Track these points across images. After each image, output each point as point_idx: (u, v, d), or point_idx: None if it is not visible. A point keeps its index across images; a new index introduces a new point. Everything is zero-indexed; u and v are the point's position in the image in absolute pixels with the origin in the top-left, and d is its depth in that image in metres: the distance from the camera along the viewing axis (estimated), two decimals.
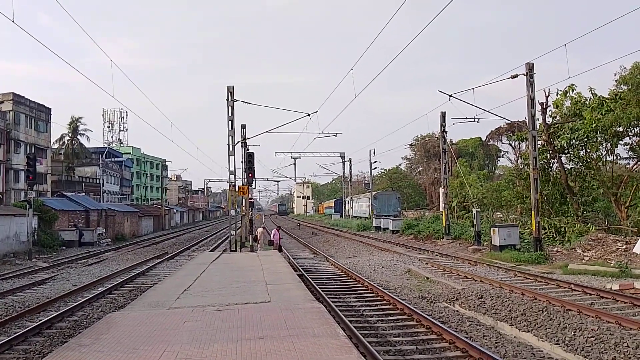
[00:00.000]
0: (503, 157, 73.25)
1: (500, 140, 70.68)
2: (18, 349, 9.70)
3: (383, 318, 11.62)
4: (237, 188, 28.74)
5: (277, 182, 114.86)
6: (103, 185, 64.52)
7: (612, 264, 18.16)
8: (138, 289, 16.24)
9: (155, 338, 7.63)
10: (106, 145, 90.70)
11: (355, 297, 14.43)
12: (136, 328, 8.33)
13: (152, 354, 6.77)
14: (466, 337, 9.44)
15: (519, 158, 42.37)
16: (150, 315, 9.39)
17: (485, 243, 26.04)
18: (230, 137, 27.25)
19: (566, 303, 12.13)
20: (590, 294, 13.76)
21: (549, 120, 28.55)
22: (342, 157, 65.66)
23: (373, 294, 14.63)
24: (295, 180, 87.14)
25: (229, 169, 27.82)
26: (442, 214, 34.48)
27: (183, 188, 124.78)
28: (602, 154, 28.22)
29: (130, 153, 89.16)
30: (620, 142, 27.13)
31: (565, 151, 28.56)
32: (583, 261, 19.75)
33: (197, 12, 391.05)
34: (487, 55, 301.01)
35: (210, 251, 30.17)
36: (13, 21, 16.17)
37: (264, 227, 36.71)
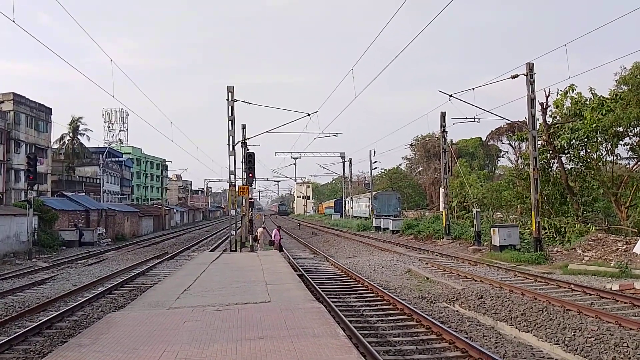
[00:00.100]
0: (503, 157, 73.35)
1: (501, 140, 70.71)
2: (18, 348, 9.70)
3: (383, 318, 11.62)
4: (237, 188, 28.75)
5: (277, 182, 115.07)
6: (103, 185, 64.55)
7: (612, 264, 18.16)
8: (138, 289, 16.25)
9: (155, 338, 7.63)
10: (106, 145, 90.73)
11: (355, 297, 14.43)
12: (136, 328, 8.34)
13: (152, 353, 6.78)
14: (466, 337, 9.44)
15: (519, 158, 42.36)
16: (150, 315, 9.39)
17: (486, 243, 26.04)
18: (231, 137, 27.26)
19: (566, 303, 12.13)
20: (590, 294, 13.76)
21: (549, 120, 28.56)
22: (342, 157, 65.69)
23: (373, 294, 14.63)
24: (295, 180, 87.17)
25: (229, 169, 27.85)
26: (442, 214, 34.48)
27: (183, 188, 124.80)
28: (602, 154, 28.23)
29: (130, 153, 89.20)
30: (621, 142, 27.14)
31: (566, 151, 28.56)
32: (583, 261, 19.75)
33: (197, 12, 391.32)
34: (487, 55, 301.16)
35: (210, 251, 30.16)
36: (13, 21, 16.19)
37: (264, 227, 36.69)
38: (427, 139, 73.94)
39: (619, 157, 28.38)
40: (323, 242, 39.16)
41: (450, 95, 24.17)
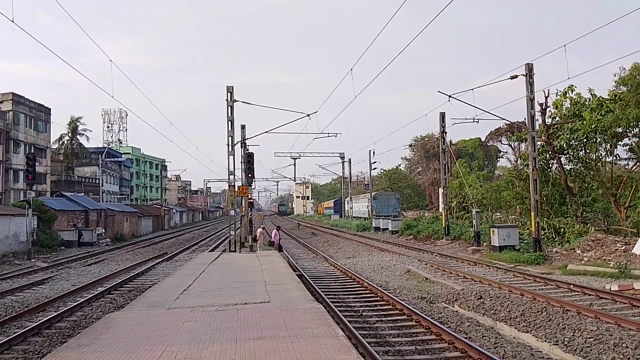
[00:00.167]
0: (502, 157, 73.38)
1: (500, 141, 70.74)
2: (17, 349, 9.70)
3: (382, 318, 11.62)
4: (236, 188, 28.74)
5: (277, 182, 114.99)
6: (102, 185, 64.52)
7: (611, 265, 18.17)
8: (137, 289, 16.24)
9: (155, 338, 7.63)
10: (105, 145, 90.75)
11: (355, 298, 14.44)
12: (135, 328, 8.33)
13: (151, 354, 6.77)
14: (465, 338, 9.45)
15: (519, 159, 42.30)
16: (150, 315, 9.38)
17: (485, 243, 26.04)
18: (230, 137, 27.26)
19: (565, 304, 12.13)
20: (590, 295, 13.77)
21: (548, 120, 28.55)
22: (342, 158, 65.68)
23: (372, 295, 14.64)
24: (294, 180, 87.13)
25: (229, 169, 27.85)
26: (441, 215, 34.47)
27: (182, 188, 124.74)
28: (601, 154, 28.22)
29: (129, 153, 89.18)
30: (620, 142, 27.15)
31: (565, 152, 28.56)
32: (582, 262, 19.76)
33: (197, 12, 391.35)
34: (487, 56, 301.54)
35: (210, 251, 30.16)
36: (13, 21, 16.17)
37: (263, 228, 36.70)
38: (427, 139, 73.96)
39: (618, 158, 28.41)
40: (322, 242, 39.15)
41: (450, 96, 24.19)
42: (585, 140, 27.21)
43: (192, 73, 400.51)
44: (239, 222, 31.10)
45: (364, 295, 14.72)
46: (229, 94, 27.28)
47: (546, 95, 27.74)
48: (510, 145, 67.19)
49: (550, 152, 28.60)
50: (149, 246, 38.17)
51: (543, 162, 28.81)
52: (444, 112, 33.39)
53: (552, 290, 14.95)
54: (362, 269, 21.02)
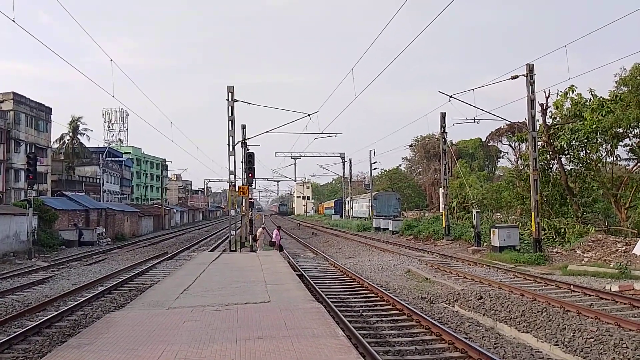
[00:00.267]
0: (503, 158, 73.37)
1: (500, 141, 70.74)
2: (18, 348, 9.71)
3: (382, 318, 11.62)
4: (237, 188, 28.75)
5: (277, 182, 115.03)
6: (103, 185, 64.56)
7: (611, 265, 18.17)
8: (138, 289, 16.26)
9: (155, 338, 7.63)
10: (106, 145, 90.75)
11: (355, 298, 14.44)
12: (136, 328, 8.34)
13: (151, 353, 6.78)
14: (465, 338, 9.45)
15: (519, 159, 42.30)
16: (150, 315, 9.39)
17: (485, 244, 26.04)
18: (231, 137, 27.26)
19: (565, 304, 12.14)
20: (590, 295, 13.76)
21: (549, 121, 28.55)
22: (342, 158, 65.69)
23: (373, 295, 14.64)
24: (295, 180, 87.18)
25: (229, 169, 27.85)
26: (442, 215, 34.48)
27: (183, 188, 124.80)
28: (602, 155, 28.21)
29: (130, 153, 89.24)
30: (620, 143, 27.13)
31: (565, 152, 28.55)
32: (583, 262, 19.75)
33: (197, 12, 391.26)
34: (487, 55, 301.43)
35: (210, 251, 30.16)
36: (13, 20, 16.19)
37: (263, 228, 36.71)
38: (427, 139, 73.97)
39: (618, 158, 28.41)
40: (323, 242, 39.16)
41: (450, 96, 24.20)
42: (585, 140, 27.20)
43: (193, 73, 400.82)
44: (240, 222, 31.11)
45: (364, 295, 14.72)
46: (229, 93, 27.29)
47: (547, 95, 27.77)
48: (510, 146, 67.20)
49: (550, 153, 28.59)
50: (149, 246, 38.18)
51: (543, 162, 28.81)
52: (445, 113, 33.41)
53: (553, 290, 14.95)
54: (363, 269, 21.02)
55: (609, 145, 27.14)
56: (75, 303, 13.69)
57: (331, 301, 12.87)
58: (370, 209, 57.33)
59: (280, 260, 19.63)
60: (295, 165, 75.40)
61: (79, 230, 37.89)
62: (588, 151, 28.18)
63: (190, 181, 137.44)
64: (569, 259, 20.64)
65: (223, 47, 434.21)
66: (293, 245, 37.19)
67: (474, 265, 21.49)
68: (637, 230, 24.29)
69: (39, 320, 11.64)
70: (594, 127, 25.74)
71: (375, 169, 62.37)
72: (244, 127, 32.14)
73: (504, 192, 34.34)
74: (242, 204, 32.17)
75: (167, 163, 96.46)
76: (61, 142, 63.20)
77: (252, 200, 38.70)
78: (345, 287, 16.37)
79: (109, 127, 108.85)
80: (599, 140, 27.03)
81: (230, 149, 27.33)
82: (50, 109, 55.49)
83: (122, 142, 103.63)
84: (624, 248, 20.22)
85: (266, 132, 32.64)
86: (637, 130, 25.95)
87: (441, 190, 35.86)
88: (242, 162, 31.40)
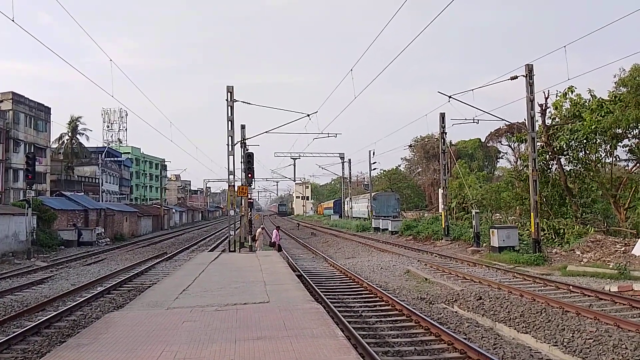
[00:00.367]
0: (502, 158, 73.40)
1: (500, 142, 70.77)
2: (17, 348, 9.69)
3: (382, 319, 11.62)
4: (236, 188, 28.74)
5: (277, 182, 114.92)
6: (102, 185, 64.52)
7: (610, 266, 18.17)
8: (137, 289, 16.24)
9: (154, 338, 7.63)
10: (105, 145, 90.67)
11: (354, 298, 14.44)
12: (135, 328, 8.33)
13: (150, 353, 6.78)
14: (465, 338, 9.45)
15: (518, 159, 42.29)
16: (149, 315, 9.38)
17: (484, 244, 26.05)
18: (230, 138, 27.26)
19: (565, 305, 12.14)
20: (589, 296, 13.77)
21: (548, 121, 28.55)
22: (342, 158, 65.70)
23: (372, 295, 14.64)
24: (294, 180, 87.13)
25: (228, 169, 27.84)
26: (441, 215, 34.48)
27: (182, 188, 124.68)
28: (601, 155, 28.21)
29: (129, 153, 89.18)
30: (620, 143, 27.12)
31: (565, 153, 28.55)
32: (582, 263, 19.76)
33: (197, 12, 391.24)
34: (487, 56, 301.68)
35: (209, 251, 30.16)
36: (13, 20, 16.18)
37: (262, 228, 36.68)
38: (427, 139, 74.02)
39: (617, 159, 28.37)
40: (322, 242, 39.16)
41: (450, 97, 24.22)
42: (585, 141, 27.20)
43: (193, 73, 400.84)
44: (239, 222, 31.10)
45: (364, 296, 14.72)
46: (229, 94, 27.28)
47: (546, 96, 27.76)
48: (510, 146, 67.21)
49: (550, 153, 28.60)
50: (148, 246, 38.16)
51: (543, 163, 28.81)
52: (444, 113, 33.43)
53: (552, 291, 14.95)
54: (362, 269, 21.02)
55: (608, 145, 27.14)
56: (75, 303, 13.68)
57: (330, 301, 12.87)
58: (370, 209, 57.33)
59: (279, 261, 19.62)
60: (294, 166, 75.29)
61: (78, 230, 37.86)
62: (587, 152, 28.18)
63: (190, 181, 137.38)
64: (568, 260, 20.64)
65: (223, 47, 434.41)
66: (292, 245, 37.19)
67: (473, 266, 21.50)
68: (636, 231, 24.29)
69: (38, 320, 11.62)
70: (593, 127, 25.74)
71: (374, 169, 62.47)
72: (243, 127, 32.15)
73: (503, 193, 34.34)
74: (241, 204, 32.16)
75: (166, 163, 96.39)
76: (60, 142, 63.19)
77: (252, 201, 38.68)
78: (344, 288, 16.36)
79: (108, 127, 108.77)
80: (598, 140, 27.03)
81: (230, 149, 27.33)
82: (50, 108, 55.49)
83: (121, 142, 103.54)
84: (623, 249, 20.23)
85: (265, 132, 32.68)
86: (636, 130, 25.95)
87: (440, 191, 35.87)
88: (241, 162, 31.42)
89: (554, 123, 28.93)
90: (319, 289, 15.01)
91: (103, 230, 42.45)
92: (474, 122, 28.46)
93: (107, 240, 41.10)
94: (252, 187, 43.82)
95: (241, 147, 31.68)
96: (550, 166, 29.98)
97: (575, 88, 27.94)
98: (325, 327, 8.20)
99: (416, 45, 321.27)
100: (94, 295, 15.10)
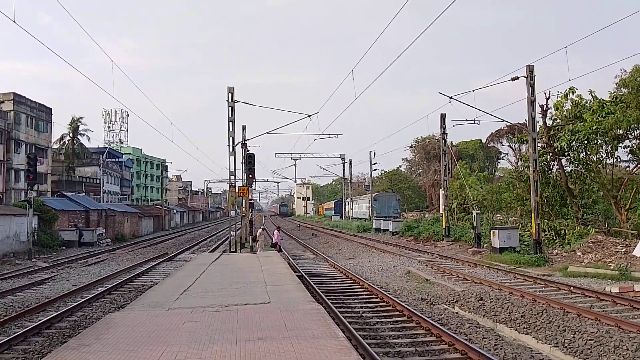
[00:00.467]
0: (503, 159, 73.33)
1: (501, 142, 70.69)
2: (17, 348, 9.70)
3: (382, 320, 11.62)
4: (237, 189, 28.75)
5: (277, 183, 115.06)
6: (103, 186, 64.56)
7: (612, 267, 18.16)
8: (138, 290, 16.25)
9: (155, 339, 7.63)
10: (106, 146, 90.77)
11: (355, 299, 14.44)
12: (136, 328, 8.34)
13: (151, 354, 6.78)
14: (465, 339, 9.44)
15: (519, 160, 42.25)
16: (150, 315, 9.39)
17: (485, 245, 26.03)
18: (231, 138, 27.27)
19: (566, 305, 12.13)
20: (590, 297, 13.76)
21: (549, 122, 28.53)
22: (342, 159, 65.71)
23: (373, 296, 14.63)
24: (295, 181, 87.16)
25: (229, 169, 27.86)
26: (442, 216, 34.47)
27: (183, 188, 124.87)
28: (602, 156, 28.18)
29: (130, 153, 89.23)
30: (621, 144, 27.09)
31: (566, 153, 28.54)
32: (583, 264, 19.75)
33: (197, 12, 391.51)
34: (487, 56, 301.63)
35: (210, 252, 30.17)
36: (14, 21, 16.19)
37: (263, 229, 36.70)
38: (427, 140, 73.99)
39: (619, 160, 28.33)
40: (323, 243, 39.16)
41: (451, 97, 24.23)
42: (586, 142, 27.18)
43: (193, 74, 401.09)
44: (240, 222, 31.11)
45: (364, 297, 14.72)
46: (229, 94, 27.29)
47: (547, 96, 27.73)
48: (511, 147, 67.08)
49: (550, 154, 28.58)
50: (149, 246, 38.18)
51: (544, 163, 28.79)
52: (445, 114, 33.42)
53: (553, 292, 14.95)
54: (363, 270, 21.02)
55: (609, 146, 27.12)
56: (75, 304, 13.68)
57: (331, 302, 12.86)
58: (371, 210, 57.32)
59: (280, 261, 19.63)
60: (295, 166, 75.39)
61: (79, 230, 37.89)
62: (588, 152, 28.15)
63: (191, 182, 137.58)
64: (569, 261, 20.63)
65: (223, 47, 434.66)
66: (293, 246, 37.19)
67: (474, 267, 21.48)
68: (637, 232, 24.27)
69: (39, 320, 11.63)
70: (594, 128, 25.72)
71: (375, 170, 62.51)
72: (244, 127, 32.17)
73: (504, 194, 34.33)
74: (242, 205, 32.17)
75: (167, 164, 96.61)
76: (61, 143, 63.21)
77: (252, 201, 38.70)
78: (345, 288, 16.36)
79: (109, 127, 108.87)
80: (599, 141, 27.00)
81: (231, 150, 27.34)
82: (51, 109, 55.52)
83: (122, 143, 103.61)
84: (624, 249, 20.21)
85: (266, 132, 32.71)
86: (637, 131, 25.92)
87: (441, 192, 35.87)
88: (242, 162, 31.42)
89: (554, 124, 28.91)
90: (319, 289, 15.01)
91: (104, 230, 42.48)
92: (474, 123, 28.47)
93: (108, 240, 41.13)
94: (253, 187, 43.87)
95: (242, 147, 31.70)
96: (551, 167, 29.96)
97: (576, 89, 27.96)
98: (326, 327, 8.20)
99: (417, 45, 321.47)
100: (95, 295, 15.11)
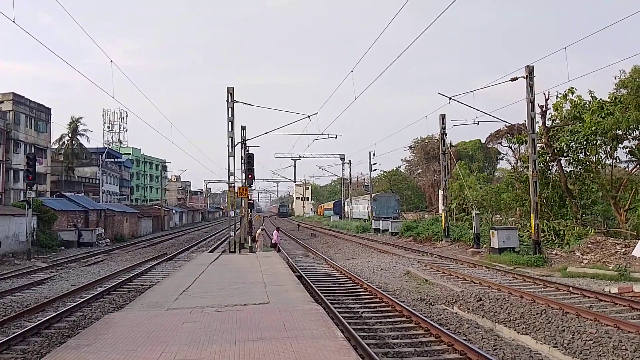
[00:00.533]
0: (502, 159, 73.40)
1: (500, 143, 70.73)
2: (16, 349, 9.69)
3: (382, 320, 11.62)
4: (236, 189, 28.75)
5: (277, 183, 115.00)
6: (102, 186, 64.50)
7: (611, 267, 18.16)
8: (137, 290, 16.24)
9: (154, 339, 7.63)
10: (106, 146, 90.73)
11: (354, 299, 14.43)
12: (135, 329, 8.33)
13: (150, 354, 6.78)
14: (465, 340, 9.45)
15: (519, 161, 42.32)
16: (149, 316, 9.39)
17: (485, 245, 26.04)
18: (230, 139, 27.27)
19: (565, 306, 12.14)
20: (589, 297, 13.76)
21: (548, 123, 28.55)
22: (342, 159, 65.69)
23: (372, 296, 14.63)
24: (294, 181, 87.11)
25: (229, 170, 27.86)
26: (441, 216, 34.47)
27: (182, 189, 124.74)
28: (601, 157, 28.20)
29: (129, 154, 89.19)
30: (620, 145, 27.13)
31: (565, 154, 28.56)
32: (582, 264, 19.76)
33: (197, 13, 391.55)
34: (487, 56, 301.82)
35: (209, 252, 30.16)
36: (14, 21, 16.20)
37: (263, 229, 36.68)
38: (427, 141, 74.01)
39: (618, 160, 28.37)
40: (322, 243, 39.16)
41: (450, 98, 24.24)
42: (585, 142, 27.20)
43: (193, 74, 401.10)
44: (239, 223, 31.10)
45: (364, 297, 14.71)
46: (229, 95, 27.29)
47: (546, 97, 27.75)
48: (510, 147, 67.13)
49: (550, 155, 28.60)
50: (148, 247, 38.16)
51: (543, 164, 28.81)
52: (444, 114, 33.43)
53: (552, 292, 14.95)
54: (362, 270, 21.02)
55: (609, 147, 27.14)
56: (74, 304, 13.67)
57: (330, 302, 12.87)
58: (370, 210, 57.32)
59: (279, 262, 19.63)
60: (294, 167, 75.30)
61: (78, 231, 37.87)
62: (587, 153, 28.18)
63: (190, 182, 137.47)
64: (568, 261, 20.64)
65: (223, 48, 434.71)
66: (292, 246, 37.19)
67: (474, 267, 21.49)
68: (637, 232, 24.28)
69: (38, 321, 11.62)
70: (593, 129, 25.74)
71: (374, 170, 62.45)
72: (243, 128, 32.18)
73: (503, 194, 34.33)
74: (241, 205, 32.17)
75: (166, 164, 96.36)
76: (61, 143, 63.20)
77: (252, 202, 38.68)
78: (344, 289, 16.36)
79: (108, 127, 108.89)
80: (599, 142, 27.03)
81: (230, 150, 27.33)
82: (50, 109, 55.51)
83: (121, 143, 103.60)
84: (623, 250, 20.22)
85: (266, 133, 32.70)
86: (637, 132, 25.96)
87: (440, 192, 35.87)
88: (241, 163, 31.43)
89: (554, 124, 28.93)
90: (319, 290, 15.01)
91: (103, 231, 42.46)
92: (474, 123, 28.45)
93: (107, 241, 41.11)
94: (252, 188, 43.83)
95: (241, 148, 31.71)
96: (550, 167, 29.98)
97: (576, 89, 27.99)
98: (325, 328, 8.20)
99: (416, 46, 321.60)
100: (94, 295, 15.10)
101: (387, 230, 43.51)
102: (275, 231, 28.56)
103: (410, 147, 76.42)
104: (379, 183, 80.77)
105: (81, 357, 6.74)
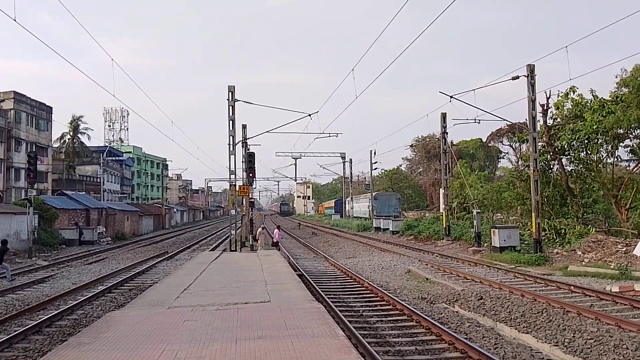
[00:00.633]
0: (504, 158, 73.37)
1: (501, 142, 70.72)
2: (18, 347, 9.71)
3: (382, 319, 11.62)
4: (237, 188, 28.76)
5: (278, 182, 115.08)
6: (103, 184, 64.59)
7: (612, 266, 18.16)
8: (138, 288, 16.26)
9: (155, 337, 7.64)
10: (107, 144, 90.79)
11: (355, 298, 14.44)
12: (136, 327, 8.34)
13: (151, 353, 6.79)
14: (465, 338, 9.45)
15: (520, 159, 42.22)
16: (150, 314, 9.40)
17: (486, 244, 26.04)
18: (231, 137, 27.27)
19: (566, 305, 12.13)
20: (590, 296, 13.76)
21: (549, 121, 28.53)
22: (343, 158, 65.69)
23: (373, 295, 14.64)
24: (295, 180, 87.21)
25: (230, 168, 27.86)
26: (442, 215, 34.46)
27: (183, 187, 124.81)
28: (602, 155, 28.17)
29: (131, 152, 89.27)
30: (621, 144, 27.10)
31: (566, 153, 28.53)
32: (583, 263, 19.75)
33: (198, 12, 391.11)
34: (488, 56, 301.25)
35: (210, 251, 30.18)
36: (15, 20, 16.19)
37: (264, 228, 36.71)
38: (428, 139, 73.97)
39: (619, 159, 28.33)
40: (323, 242, 39.17)
41: (451, 97, 24.20)
42: (586, 141, 27.17)
43: (193, 73, 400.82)
44: (240, 221, 31.12)
45: (365, 295, 14.72)
46: (230, 93, 27.29)
47: (547, 96, 27.71)
48: (511, 146, 67.13)
49: (551, 153, 28.57)
50: (149, 245, 38.20)
51: (544, 163, 28.79)
52: (445, 113, 33.39)
53: (553, 291, 14.95)
54: (363, 269, 21.02)
55: (610, 146, 27.11)
56: (76, 302, 13.70)
57: (331, 301, 12.87)
58: (371, 209, 57.30)
59: (280, 260, 19.65)
60: (295, 165, 75.49)
61: (80, 229, 37.91)
62: (589, 152, 28.14)
63: (191, 180, 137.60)
64: (569, 260, 20.63)
65: (223, 47, 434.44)
66: (293, 245, 37.20)
67: (474, 266, 21.49)
68: (638, 231, 24.26)
69: (39, 319, 11.64)
70: (594, 127, 25.71)
71: (375, 169, 62.46)
72: (244, 126, 32.15)
73: (504, 193, 34.31)
74: (242, 204, 32.19)
75: (167, 162, 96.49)
76: (62, 141, 63.24)
77: (253, 200, 38.71)
78: (345, 287, 16.37)
79: (109, 126, 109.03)
80: (600, 141, 27.00)
81: (231, 149, 27.34)
82: (51, 108, 55.49)
83: (122, 142, 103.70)
84: (624, 249, 20.21)
85: (267, 131, 32.71)
86: (638, 131, 25.93)
87: (442, 191, 35.87)
88: (242, 161, 31.43)
89: (555, 123, 28.91)
90: (319, 288, 15.02)
91: (104, 229, 42.50)
92: (475, 122, 28.39)
93: (109, 239, 41.15)
94: (253, 186, 43.84)
95: (242, 146, 31.71)
96: (551, 166, 29.96)
97: (577, 88, 27.96)
98: (326, 326, 8.20)
99: (417, 45, 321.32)
100: (95, 294, 15.11)
101: (388, 229, 43.52)
102: (276, 230, 28.55)
103: (411, 145, 76.46)
104: (379, 182, 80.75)
105: (82, 356, 6.75)
